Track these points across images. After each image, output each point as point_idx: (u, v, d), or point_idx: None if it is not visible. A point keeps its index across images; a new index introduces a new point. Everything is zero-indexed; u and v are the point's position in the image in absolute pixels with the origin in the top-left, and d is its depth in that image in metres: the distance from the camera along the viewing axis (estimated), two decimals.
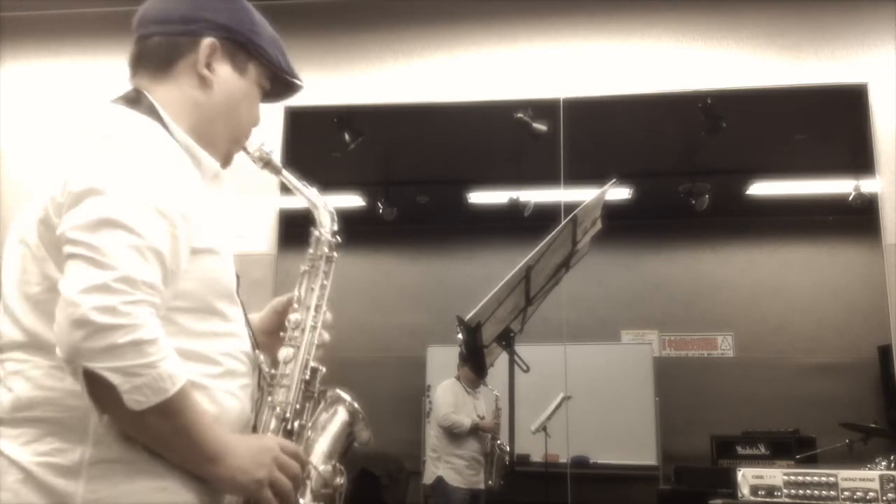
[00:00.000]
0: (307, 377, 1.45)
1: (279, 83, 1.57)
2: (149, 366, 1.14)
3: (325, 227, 1.61)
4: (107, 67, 4.34)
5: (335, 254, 1.60)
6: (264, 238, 4.00)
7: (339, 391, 1.52)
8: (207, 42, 1.43)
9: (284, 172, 1.59)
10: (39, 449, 1.21)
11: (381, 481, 5.44)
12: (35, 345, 1.25)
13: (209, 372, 1.31)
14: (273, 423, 1.40)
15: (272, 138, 3.95)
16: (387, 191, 5.69)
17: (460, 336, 3.29)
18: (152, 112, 1.37)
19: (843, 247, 5.55)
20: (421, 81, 4.21)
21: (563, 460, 4.66)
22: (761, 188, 5.47)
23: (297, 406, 1.42)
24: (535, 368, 3.40)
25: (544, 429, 4.74)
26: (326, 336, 1.55)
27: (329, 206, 1.63)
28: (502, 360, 3.42)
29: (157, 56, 1.44)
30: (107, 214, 1.17)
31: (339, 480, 1.43)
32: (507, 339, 3.29)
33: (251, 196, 3.95)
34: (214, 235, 1.34)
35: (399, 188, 5.81)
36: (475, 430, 4.78)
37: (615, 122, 4.57)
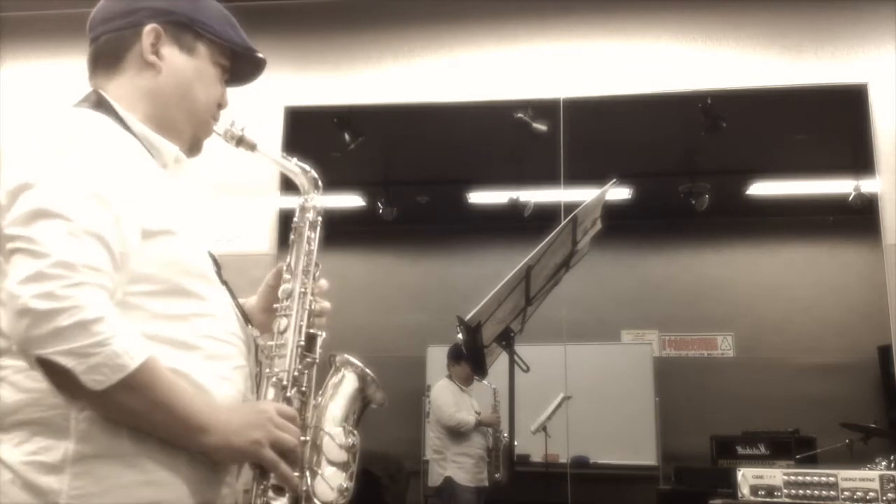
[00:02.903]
0: (302, 342, 1.44)
1: (243, 61, 1.55)
2: (99, 344, 1.14)
3: (309, 193, 1.60)
4: None
5: (320, 218, 1.59)
6: (264, 238, 4.00)
7: (346, 356, 1.52)
8: (148, 28, 1.43)
9: (259, 147, 1.56)
10: (28, 449, 1.21)
11: (381, 481, 5.44)
12: (12, 348, 1.24)
13: (188, 357, 1.29)
14: (271, 392, 1.38)
15: (272, 138, 3.95)
16: (387, 191, 5.70)
17: (460, 336, 3.29)
18: (105, 107, 1.38)
19: (843, 247, 5.55)
20: (421, 81, 4.21)
21: (563, 460, 4.66)
22: (761, 188, 5.47)
23: (296, 373, 1.40)
24: (535, 368, 3.39)
25: (544, 429, 4.74)
26: (326, 304, 1.53)
27: (311, 172, 1.61)
28: (502, 360, 3.41)
29: (106, 54, 1.45)
30: (39, 205, 1.18)
31: (351, 441, 1.42)
32: (507, 339, 3.29)
33: (251, 196, 3.96)
34: (171, 217, 1.33)
35: (399, 188, 5.81)
36: (478, 426, 4.79)
37: (615, 122, 4.57)
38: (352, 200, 5.71)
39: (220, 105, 1.53)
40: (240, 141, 1.53)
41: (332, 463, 1.38)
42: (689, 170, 5.33)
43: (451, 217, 6.05)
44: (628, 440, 5.50)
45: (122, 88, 1.43)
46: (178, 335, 1.29)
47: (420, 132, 4.95)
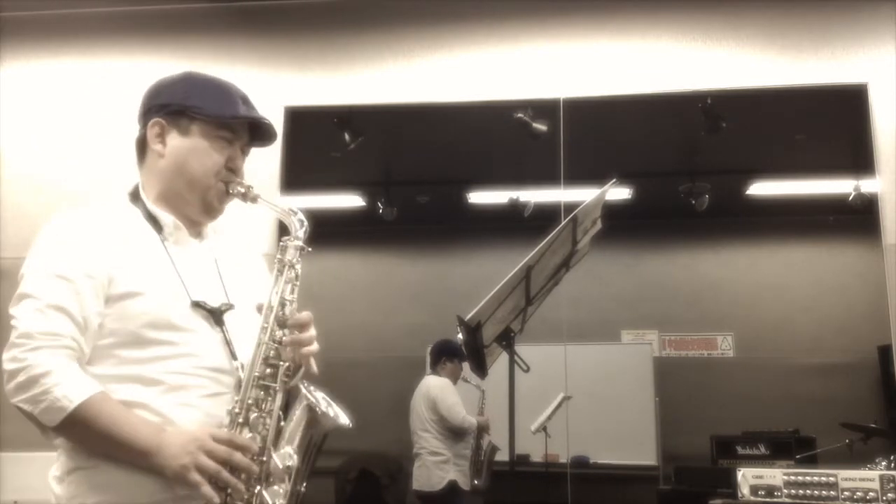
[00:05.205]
0: (257, 374, 1.63)
1: (253, 128, 1.79)
2: (44, 392, 1.50)
3: (293, 234, 1.76)
4: (107, 67, 4.34)
5: (297, 260, 1.74)
6: (264, 239, 4.00)
7: (301, 385, 1.67)
8: (151, 123, 1.76)
9: (260, 199, 1.78)
10: (55, 465, 1.63)
11: (381, 481, 5.44)
12: None
13: (150, 391, 1.59)
14: (226, 419, 1.61)
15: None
16: (387, 191, 5.69)
17: (460, 336, 3.29)
18: (135, 195, 1.76)
19: (843, 247, 5.54)
20: (421, 81, 4.21)
21: (563, 460, 4.66)
22: (761, 188, 5.46)
23: (250, 400, 1.62)
24: (535, 368, 3.39)
25: (544, 429, 4.73)
26: (304, 335, 1.67)
27: (300, 214, 1.78)
28: (502, 360, 3.41)
29: (137, 148, 1.82)
30: (21, 290, 1.59)
31: (288, 463, 1.60)
32: (507, 339, 3.29)
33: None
34: (139, 280, 1.62)
35: (399, 188, 5.80)
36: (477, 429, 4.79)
37: (615, 122, 4.57)
38: (352, 200, 5.70)
39: (231, 169, 1.76)
40: (244, 196, 1.77)
41: (276, 480, 1.59)
42: (689, 170, 5.32)
43: (451, 217, 6.03)
44: (628, 440, 5.50)
45: (145, 175, 1.79)
46: (143, 374, 1.59)
47: (420, 132, 4.95)
